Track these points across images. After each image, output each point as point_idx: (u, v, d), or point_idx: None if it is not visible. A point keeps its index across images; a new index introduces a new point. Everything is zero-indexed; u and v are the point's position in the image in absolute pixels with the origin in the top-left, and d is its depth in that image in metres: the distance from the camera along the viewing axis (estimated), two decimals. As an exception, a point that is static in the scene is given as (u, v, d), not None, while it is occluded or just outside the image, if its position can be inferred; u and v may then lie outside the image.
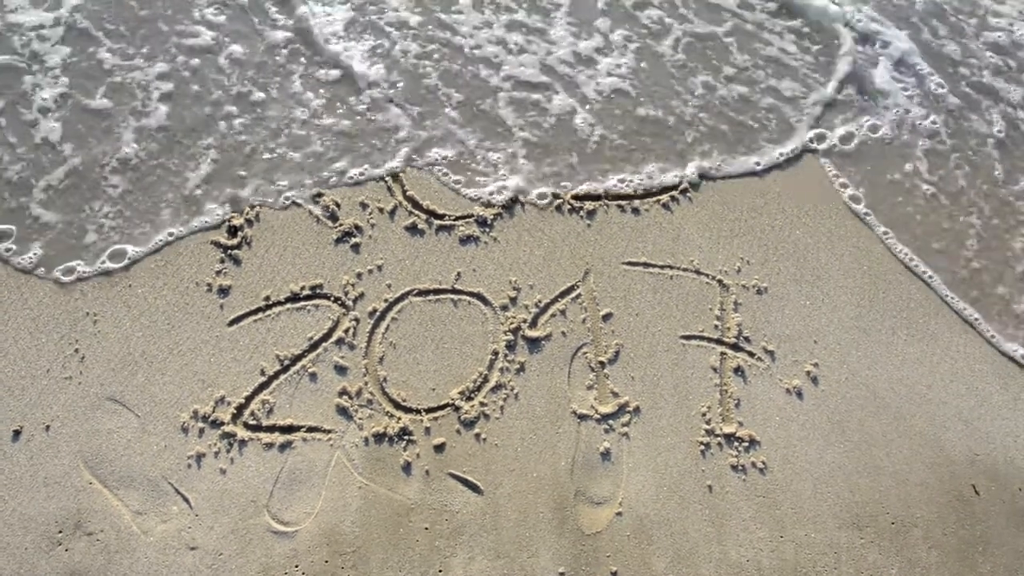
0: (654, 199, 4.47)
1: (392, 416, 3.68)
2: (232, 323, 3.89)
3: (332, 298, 3.99)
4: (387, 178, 4.43)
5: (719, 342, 4.00)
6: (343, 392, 3.72)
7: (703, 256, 4.26)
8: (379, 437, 3.62)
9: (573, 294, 4.09)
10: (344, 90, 4.86)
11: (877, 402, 3.88)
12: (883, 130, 4.96)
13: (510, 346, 3.90)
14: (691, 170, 4.60)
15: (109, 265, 4.00)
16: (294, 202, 4.30)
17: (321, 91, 4.84)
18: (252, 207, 4.26)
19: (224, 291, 3.97)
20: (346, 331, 3.89)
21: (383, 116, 4.75)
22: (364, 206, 4.30)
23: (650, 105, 4.99)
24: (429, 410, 3.72)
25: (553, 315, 4.02)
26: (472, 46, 5.14)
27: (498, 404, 3.74)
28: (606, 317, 4.03)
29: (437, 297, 4.04)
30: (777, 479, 3.64)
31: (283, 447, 3.57)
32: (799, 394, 3.88)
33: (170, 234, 4.15)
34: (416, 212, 4.31)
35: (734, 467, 3.65)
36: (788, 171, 4.72)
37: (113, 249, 4.07)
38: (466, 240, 4.23)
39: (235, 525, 3.37)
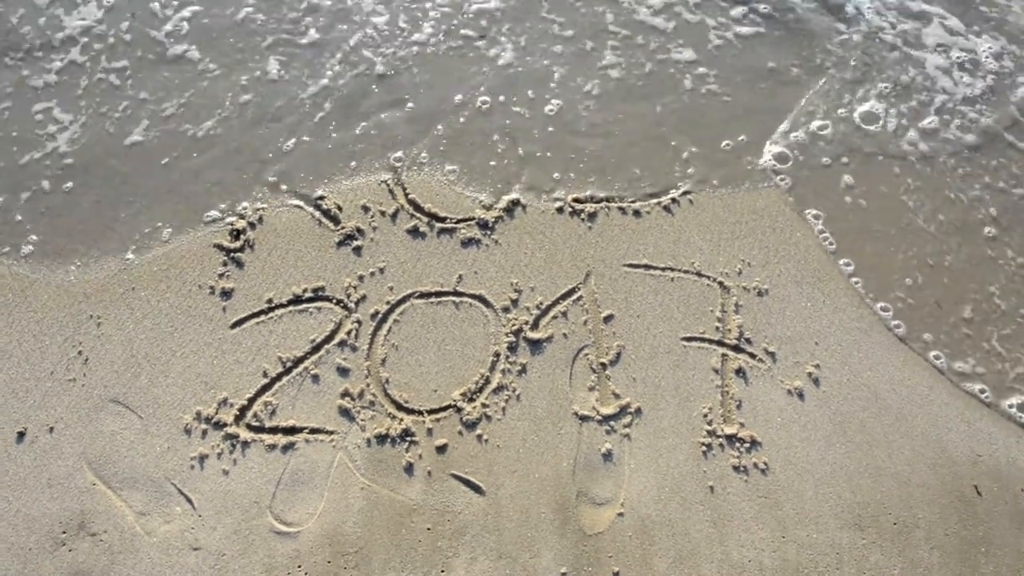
0: (655, 201, 4.48)
1: (394, 417, 3.69)
2: (235, 325, 3.91)
3: (334, 300, 4.00)
4: (389, 181, 4.46)
5: (720, 344, 4.01)
6: (345, 394, 3.73)
7: (704, 258, 4.27)
8: (381, 438, 3.63)
9: (574, 296, 4.10)
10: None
11: (879, 403, 3.88)
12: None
13: (512, 348, 3.91)
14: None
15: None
16: (296, 205, 4.33)
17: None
18: (255, 210, 4.29)
19: (227, 294, 3.99)
20: (348, 333, 3.90)
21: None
22: (366, 209, 4.32)
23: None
24: (431, 411, 3.73)
25: (555, 317, 4.03)
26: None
27: (500, 405, 3.75)
28: (607, 319, 4.04)
29: (439, 299, 4.05)
30: (779, 480, 3.64)
31: (286, 448, 3.58)
32: (800, 395, 3.88)
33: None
34: (418, 215, 4.33)
35: (736, 468, 3.66)
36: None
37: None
38: (468, 243, 4.24)
39: (238, 526, 3.38)
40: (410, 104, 4.83)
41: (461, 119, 4.79)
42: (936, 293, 4.32)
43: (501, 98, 4.96)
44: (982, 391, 4.00)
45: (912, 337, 4.15)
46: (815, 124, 4.96)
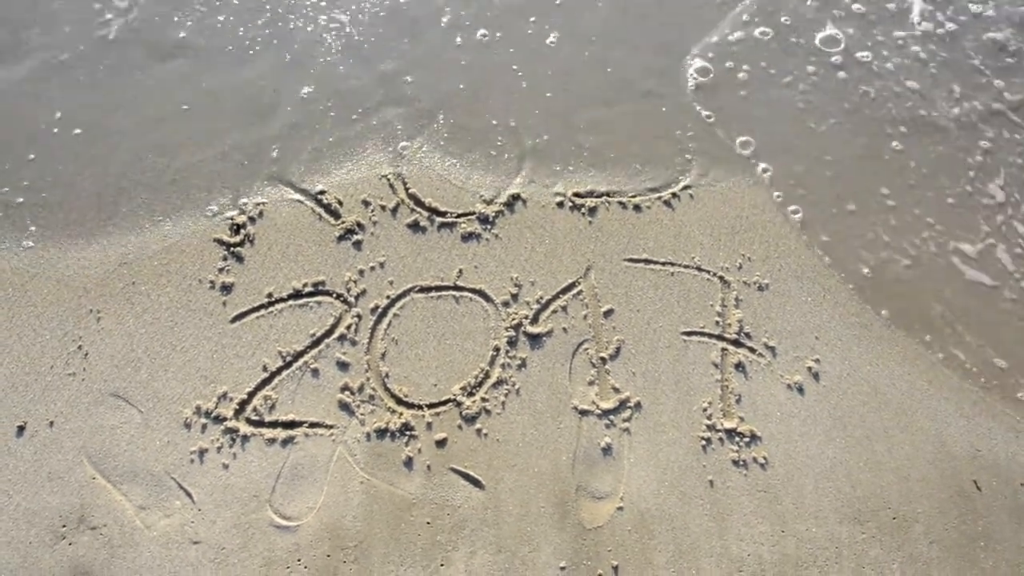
0: (655, 195, 4.47)
1: (394, 411, 3.69)
2: (235, 320, 3.91)
3: (334, 295, 4.00)
4: (389, 175, 4.45)
5: (720, 338, 4.00)
6: (345, 388, 3.73)
7: (704, 253, 4.27)
8: (381, 432, 3.64)
9: (574, 290, 4.10)
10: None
11: (878, 398, 3.88)
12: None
13: (511, 342, 3.91)
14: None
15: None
16: (297, 199, 4.33)
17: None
18: (256, 204, 4.29)
19: (227, 288, 3.99)
20: (348, 327, 3.90)
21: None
22: (366, 203, 4.32)
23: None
24: (431, 405, 3.73)
25: (554, 311, 4.03)
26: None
27: (500, 400, 3.75)
28: (607, 313, 4.03)
29: (439, 294, 4.05)
30: (778, 474, 3.64)
31: (285, 442, 3.58)
32: (800, 390, 3.88)
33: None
34: (418, 209, 4.33)
35: (735, 462, 3.66)
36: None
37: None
38: (468, 237, 4.24)
39: (237, 520, 3.38)
40: (408, 79, 4.84)
41: (460, 89, 4.82)
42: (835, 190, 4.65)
43: (499, 35, 5.17)
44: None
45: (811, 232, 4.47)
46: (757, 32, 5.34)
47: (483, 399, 3.75)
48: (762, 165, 4.69)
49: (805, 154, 4.77)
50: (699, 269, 4.21)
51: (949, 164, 4.79)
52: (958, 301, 4.26)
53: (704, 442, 3.70)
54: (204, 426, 3.60)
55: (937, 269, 4.37)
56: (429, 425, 3.67)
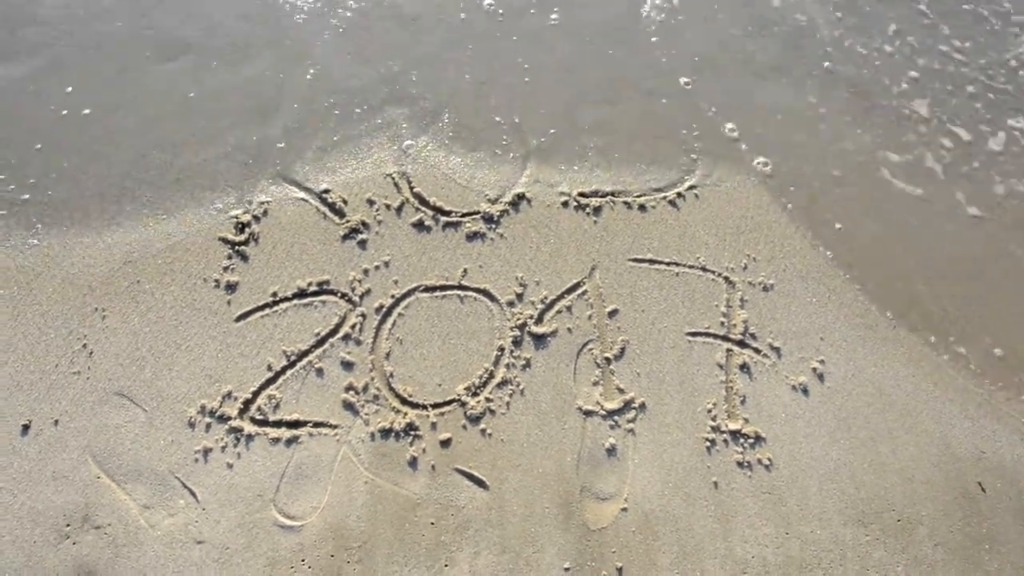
0: (660, 195, 4.47)
1: (398, 411, 3.69)
2: (239, 319, 3.90)
3: (339, 294, 4.00)
4: (394, 174, 4.45)
5: (725, 339, 4.00)
6: (349, 387, 3.73)
7: (709, 253, 4.26)
8: (385, 432, 3.63)
9: (579, 290, 4.09)
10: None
11: (883, 399, 3.87)
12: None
13: (516, 342, 3.91)
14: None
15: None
16: (301, 198, 4.32)
17: None
18: (260, 203, 4.28)
19: (231, 287, 3.99)
20: (353, 327, 3.90)
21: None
22: (371, 202, 4.32)
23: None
24: (435, 405, 3.73)
25: (559, 311, 4.02)
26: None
27: (504, 400, 3.75)
28: (612, 313, 4.03)
29: (443, 293, 4.05)
30: (783, 475, 3.64)
31: (289, 442, 3.58)
32: (805, 391, 3.87)
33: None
34: (423, 208, 4.32)
35: (740, 463, 3.65)
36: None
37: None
38: (473, 237, 4.24)
39: (242, 519, 3.38)
40: (412, 77, 4.83)
41: (465, 82, 4.79)
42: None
43: (501, 11, 5.33)
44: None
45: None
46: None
47: (487, 399, 3.75)
48: (729, 124, 4.94)
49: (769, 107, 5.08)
50: (704, 269, 4.21)
51: (877, 86, 5.21)
52: (933, 269, 4.43)
53: (708, 443, 3.69)
54: (208, 425, 3.60)
55: (865, 176, 4.75)
56: (433, 425, 3.67)
